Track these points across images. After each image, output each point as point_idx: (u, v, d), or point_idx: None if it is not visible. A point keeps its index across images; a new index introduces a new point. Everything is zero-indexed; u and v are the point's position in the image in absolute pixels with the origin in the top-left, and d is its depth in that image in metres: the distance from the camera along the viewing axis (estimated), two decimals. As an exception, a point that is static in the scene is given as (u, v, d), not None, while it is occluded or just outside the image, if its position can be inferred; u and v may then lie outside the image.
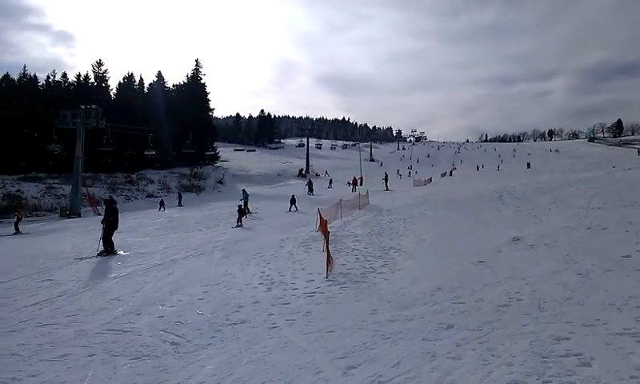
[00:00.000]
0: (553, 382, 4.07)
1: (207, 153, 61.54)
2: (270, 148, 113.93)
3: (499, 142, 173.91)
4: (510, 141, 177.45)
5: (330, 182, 53.99)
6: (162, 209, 33.40)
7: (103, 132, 37.79)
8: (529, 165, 60.28)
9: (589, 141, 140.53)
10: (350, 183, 47.15)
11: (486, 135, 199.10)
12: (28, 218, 34.01)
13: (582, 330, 5.20)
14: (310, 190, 41.34)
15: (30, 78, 59.39)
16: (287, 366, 5.05)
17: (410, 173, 67.32)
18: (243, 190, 30.18)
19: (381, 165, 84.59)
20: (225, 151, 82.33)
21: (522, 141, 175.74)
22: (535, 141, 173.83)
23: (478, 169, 66.36)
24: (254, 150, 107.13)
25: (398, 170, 70.63)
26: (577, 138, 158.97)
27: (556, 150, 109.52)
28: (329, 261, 9.58)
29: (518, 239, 11.09)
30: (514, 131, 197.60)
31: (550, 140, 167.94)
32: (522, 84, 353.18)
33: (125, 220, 24.06)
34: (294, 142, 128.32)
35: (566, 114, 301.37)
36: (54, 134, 36.13)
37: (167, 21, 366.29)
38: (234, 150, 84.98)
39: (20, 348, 6.14)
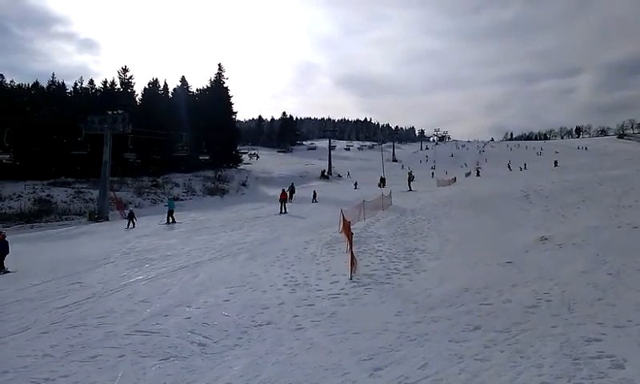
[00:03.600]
0: (584, 384, 3.99)
1: (239, 153, 60.73)
2: (279, 151, 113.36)
3: (525, 139, 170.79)
4: (536, 138, 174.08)
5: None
6: (131, 225, 24.20)
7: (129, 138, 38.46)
8: (556, 163, 59.13)
9: (618, 137, 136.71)
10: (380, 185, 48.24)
11: (512, 133, 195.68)
12: (57, 222, 34.90)
13: (613, 331, 5.08)
14: (291, 197, 32.93)
15: (58, 85, 60.70)
16: (313, 368, 5.06)
17: (432, 173, 65.59)
18: (170, 199, 29.64)
19: (402, 167, 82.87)
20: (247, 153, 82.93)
21: (549, 138, 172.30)
22: (562, 138, 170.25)
23: (510, 168, 65.16)
24: (284, 151, 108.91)
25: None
26: (605, 135, 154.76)
27: (585, 148, 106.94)
28: (353, 262, 9.55)
29: (546, 239, 10.88)
30: (540, 129, 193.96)
31: (578, 137, 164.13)
32: (547, 81, 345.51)
33: (150, 223, 24.50)
34: (317, 143, 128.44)
35: (593, 110, 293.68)
36: (83, 137, 36.46)
37: (190, 26, 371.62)
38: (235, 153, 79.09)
39: (52, 349, 6.31)
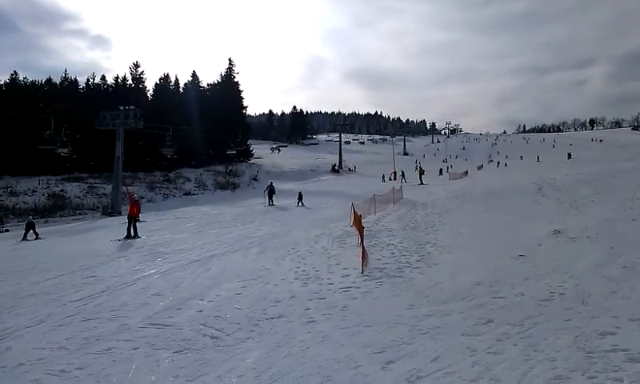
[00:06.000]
0: (598, 377, 3.96)
1: (237, 149, 58.10)
2: (305, 144, 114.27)
3: (538, 132, 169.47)
4: (549, 131, 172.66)
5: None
6: (33, 237, 20.50)
7: (144, 133, 38.54)
8: (569, 155, 58.54)
9: (633, 129, 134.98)
10: (391, 178, 48.87)
11: (524, 126, 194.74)
12: (71, 217, 35.34)
13: (628, 324, 5.03)
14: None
15: (70, 81, 61.22)
16: (325, 360, 5.07)
17: (447, 168, 63.39)
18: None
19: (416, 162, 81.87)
20: (259, 148, 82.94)
21: (562, 131, 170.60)
22: (576, 130, 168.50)
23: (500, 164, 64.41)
24: (284, 146, 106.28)
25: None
26: (620, 127, 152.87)
27: (600, 140, 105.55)
28: (364, 256, 9.55)
29: (560, 232, 10.78)
30: (552, 121, 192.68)
31: (592, 129, 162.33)
32: (558, 73, 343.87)
33: (164, 217, 24.69)
34: (327, 137, 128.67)
35: (607, 101, 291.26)
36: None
37: (200, 21, 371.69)
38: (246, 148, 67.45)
39: (67, 342, 6.38)
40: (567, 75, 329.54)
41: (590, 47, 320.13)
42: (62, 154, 36.19)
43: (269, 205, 28.00)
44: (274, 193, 29.21)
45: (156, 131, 41.03)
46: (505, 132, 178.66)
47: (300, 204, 26.88)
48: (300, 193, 28.31)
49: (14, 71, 56.54)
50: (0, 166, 42.69)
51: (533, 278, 7.55)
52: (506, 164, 62.80)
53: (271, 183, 31.21)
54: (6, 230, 26.67)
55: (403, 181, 40.59)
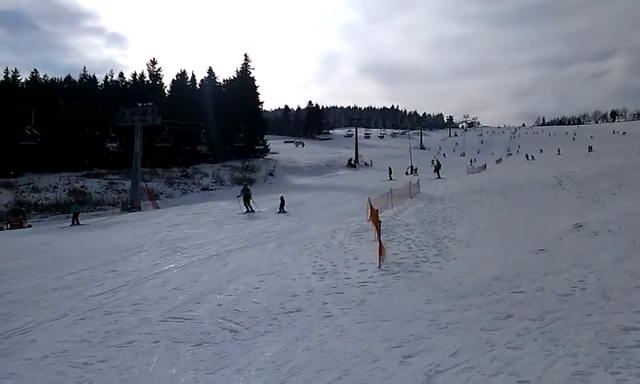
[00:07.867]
0: (622, 373, 3.92)
1: (257, 147, 58.74)
2: (320, 139, 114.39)
3: (557, 125, 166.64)
4: (569, 124, 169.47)
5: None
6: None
7: (161, 128, 38.82)
8: (590, 148, 57.48)
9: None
10: (407, 173, 47.73)
11: (543, 119, 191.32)
12: (92, 212, 35.88)
13: (652, 320, 4.94)
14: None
15: (89, 78, 61.99)
16: (343, 355, 5.09)
17: (470, 161, 62.27)
18: (74, 203, 28.95)
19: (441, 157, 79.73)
20: (275, 143, 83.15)
21: (583, 123, 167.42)
22: (597, 123, 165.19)
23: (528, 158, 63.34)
24: (292, 141, 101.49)
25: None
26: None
27: (623, 132, 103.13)
28: (381, 250, 9.53)
29: (581, 226, 10.62)
30: (572, 114, 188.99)
31: (613, 121, 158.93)
32: (577, 65, 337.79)
33: (182, 212, 24.92)
34: (343, 132, 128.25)
35: (628, 93, 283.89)
36: (111, 131, 36.72)
37: (216, 17, 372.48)
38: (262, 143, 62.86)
39: (89, 335, 6.51)
40: (586, 67, 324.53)
41: (610, 39, 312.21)
42: (110, 149, 37.14)
43: (246, 212, 22.60)
44: (249, 197, 23.88)
45: (174, 127, 41.27)
46: (524, 125, 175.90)
47: (281, 211, 21.76)
48: (282, 197, 23.18)
49: (35, 69, 57.72)
50: (22, 163, 43.44)
51: (553, 272, 7.47)
52: (533, 157, 61.82)
53: (245, 185, 27.19)
54: (29, 226, 27.18)
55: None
